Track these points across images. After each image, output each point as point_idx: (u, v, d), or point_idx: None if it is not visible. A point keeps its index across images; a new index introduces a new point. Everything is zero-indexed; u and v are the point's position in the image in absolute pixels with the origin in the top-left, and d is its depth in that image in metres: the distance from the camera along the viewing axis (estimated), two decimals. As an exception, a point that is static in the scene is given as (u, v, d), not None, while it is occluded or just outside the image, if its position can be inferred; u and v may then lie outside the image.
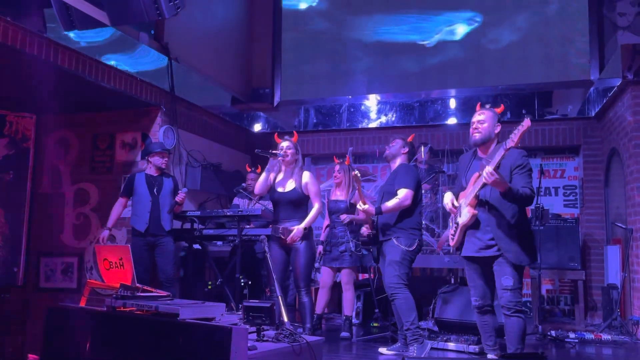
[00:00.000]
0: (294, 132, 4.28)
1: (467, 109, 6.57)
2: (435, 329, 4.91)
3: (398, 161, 3.98)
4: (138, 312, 2.83)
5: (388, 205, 3.74)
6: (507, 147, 2.89)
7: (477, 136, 3.26)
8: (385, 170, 6.83)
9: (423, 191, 4.64)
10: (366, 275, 5.93)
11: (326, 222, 5.05)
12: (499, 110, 3.31)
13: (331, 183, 5.13)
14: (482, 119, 3.27)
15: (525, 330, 3.14)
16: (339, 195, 4.94)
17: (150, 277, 4.80)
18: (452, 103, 6.65)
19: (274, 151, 4.05)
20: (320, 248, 4.97)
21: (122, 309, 2.88)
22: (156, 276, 4.95)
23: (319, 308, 4.81)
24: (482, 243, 3.18)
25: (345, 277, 4.85)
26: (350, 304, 4.88)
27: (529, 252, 3.12)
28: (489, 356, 3.36)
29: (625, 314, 5.23)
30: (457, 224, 3.28)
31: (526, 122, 2.83)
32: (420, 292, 3.95)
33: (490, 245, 3.16)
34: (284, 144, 4.13)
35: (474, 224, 3.19)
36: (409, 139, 4.04)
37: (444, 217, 5.84)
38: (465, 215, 3.20)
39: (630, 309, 5.16)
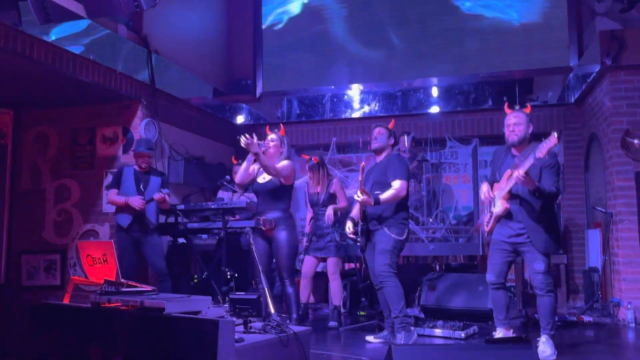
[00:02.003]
0: (281, 125, 4.26)
1: (449, 97, 6.61)
2: (422, 315, 4.96)
3: (385, 152, 4.00)
4: (123, 308, 2.82)
5: (386, 196, 3.78)
6: (537, 157, 3.26)
7: (514, 138, 3.60)
8: (369, 160, 6.85)
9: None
10: (352, 265, 5.96)
11: (309, 214, 5.05)
12: (528, 110, 3.66)
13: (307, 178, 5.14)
14: (518, 122, 3.60)
15: (556, 307, 3.59)
16: (317, 188, 4.94)
17: (136, 272, 4.76)
18: (434, 92, 6.67)
19: (257, 141, 4.03)
20: (305, 240, 4.97)
21: (107, 304, 2.86)
22: (142, 272, 4.93)
23: (304, 297, 4.83)
24: (513, 231, 3.58)
25: (332, 267, 4.86)
26: (337, 293, 4.91)
27: (555, 241, 3.53)
28: (497, 331, 3.67)
29: (606, 296, 5.34)
30: (492, 212, 3.68)
31: (552, 139, 3.17)
32: (406, 279, 3.98)
33: (520, 233, 3.55)
34: (271, 135, 4.12)
35: (506, 215, 3.59)
36: (390, 125, 4.04)
37: (428, 205, 5.89)
38: (499, 206, 3.61)
39: (611, 291, 5.27)
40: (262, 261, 3.78)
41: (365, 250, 3.97)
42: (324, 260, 4.91)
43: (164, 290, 4.56)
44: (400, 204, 3.89)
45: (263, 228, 3.98)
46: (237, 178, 4.10)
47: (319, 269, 5.11)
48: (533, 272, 3.54)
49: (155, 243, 4.68)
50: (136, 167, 4.77)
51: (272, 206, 4.02)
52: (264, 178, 4.07)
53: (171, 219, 5.13)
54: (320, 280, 5.62)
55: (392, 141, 4.02)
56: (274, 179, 3.99)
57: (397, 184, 3.81)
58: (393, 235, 3.79)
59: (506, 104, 3.79)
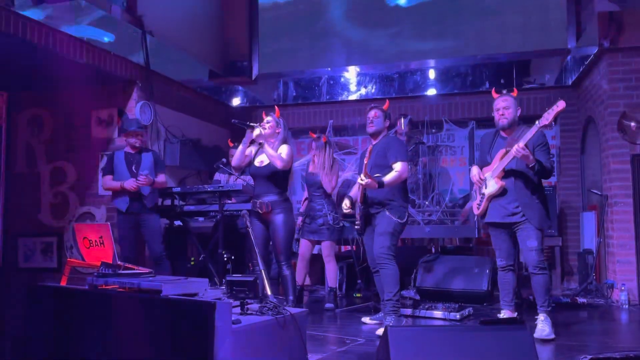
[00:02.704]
0: (275, 107, 4.22)
1: (446, 79, 6.57)
2: (417, 297, 5.00)
3: (381, 134, 3.98)
4: (120, 290, 2.82)
5: (389, 178, 3.77)
6: (541, 125, 3.34)
7: (504, 122, 3.67)
8: (365, 142, 6.83)
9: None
10: (348, 247, 5.99)
11: (305, 194, 5.06)
12: (514, 93, 3.74)
13: (310, 157, 5.12)
14: (507, 105, 3.66)
15: (550, 285, 3.71)
16: (316, 169, 4.93)
17: (136, 255, 4.77)
18: (432, 74, 6.63)
19: (251, 123, 4.00)
20: (299, 220, 4.98)
21: (104, 287, 2.86)
22: (143, 255, 4.94)
23: (299, 280, 4.87)
24: (507, 210, 3.61)
25: (326, 249, 4.88)
26: (333, 275, 4.93)
27: (547, 217, 3.62)
28: (502, 313, 3.76)
29: (600, 278, 5.39)
30: (483, 194, 3.71)
31: (561, 104, 3.26)
32: (402, 261, 3.99)
33: (515, 212, 3.59)
34: (267, 118, 4.10)
35: (499, 194, 3.62)
36: (385, 107, 4.01)
37: (424, 188, 5.90)
38: (493, 186, 3.64)
39: (605, 273, 5.32)
40: (259, 244, 3.79)
41: (364, 233, 3.96)
42: (319, 242, 4.93)
43: (161, 272, 4.57)
44: (401, 186, 3.88)
45: (260, 211, 3.97)
46: (234, 161, 4.08)
47: (314, 252, 5.13)
48: (527, 249, 3.57)
49: (154, 225, 4.68)
50: (127, 149, 4.74)
51: (269, 189, 4.00)
52: (261, 161, 4.05)
53: (167, 202, 5.13)
54: (316, 262, 5.65)
55: (387, 123, 4.00)
56: (272, 162, 3.97)
57: (399, 165, 3.80)
58: (394, 218, 3.79)
59: (493, 89, 3.85)
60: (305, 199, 5.07)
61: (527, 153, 3.42)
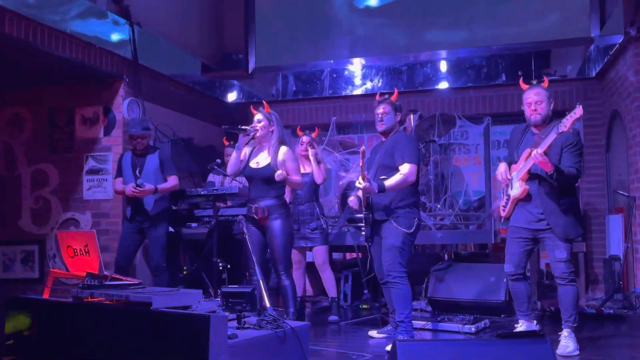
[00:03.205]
0: (264, 102, 4.21)
1: (459, 71, 6.58)
2: (429, 309, 5.00)
3: (393, 130, 3.94)
4: (107, 303, 2.84)
5: (392, 182, 3.66)
6: (559, 132, 3.28)
7: (537, 117, 3.58)
8: (372, 140, 6.85)
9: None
10: (354, 255, 5.99)
11: (287, 198, 5.06)
12: (545, 84, 3.64)
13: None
14: (540, 99, 3.58)
15: (578, 297, 3.63)
16: (305, 168, 4.94)
17: (130, 262, 4.81)
18: (443, 66, 6.64)
19: (243, 127, 4.01)
20: None
21: (89, 299, 2.88)
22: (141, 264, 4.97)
23: (299, 290, 4.87)
24: (533, 216, 3.58)
25: (320, 256, 4.88)
26: (331, 284, 4.93)
27: (576, 225, 3.54)
28: (519, 324, 3.73)
29: (628, 286, 5.37)
30: (509, 195, 3.68)
31: (579, 110, 3.21)
32: (412, 270, 3.98)
33: (541, 218, 3.56)
34: (257, 116, 4.08)
35: (525, 197, 3.59)
36: (393, 97, 3.96)
37: (435, 189, 5.90)
38: (517, 188, 3.60)
39: (633, 282, 5.31)
40: (256, 251, 3.79)
41: (372, 241, 3.93)
42: (310, 249, 4.93)
43: (158, 284, 4.60)
44: (410, 190, 3.79)
45: (255, 217, 3.98)
46: (230, 169, 4.08)
47: (309, 259, 5.14)
48: (554, 260, 3.53)
49: (157, 235, 4.69)
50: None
51: (266, 193, 4.00)
52: (257, 163, 4.05)
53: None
54: (313, 271, 5.65)
55: (399, 117, 3.91)
56: (271, 164, 3.98)
57: (405, 167, 3.70)
58: (402, 229, 3.71)
59: (521, 79, 3.75)
60: (290, 203, 5.11)
61: (546, 160, 3.35)
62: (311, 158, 4.89)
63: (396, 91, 4.01)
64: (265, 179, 3.98)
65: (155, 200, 4.68)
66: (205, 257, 5.08)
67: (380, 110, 3.88)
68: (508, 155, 3.85)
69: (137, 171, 4.67)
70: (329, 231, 5.00)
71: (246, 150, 4.11)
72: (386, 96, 3.95)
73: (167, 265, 4.74)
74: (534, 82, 3.70)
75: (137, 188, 4.53)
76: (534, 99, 3.57)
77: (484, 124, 5.94)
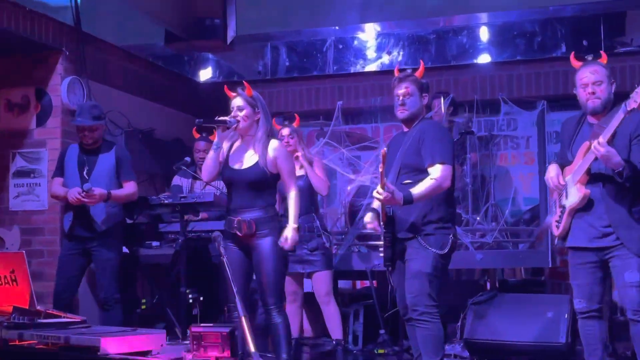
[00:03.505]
0: (245, 82, 4.19)
1: (504, 41, 6.57)
2: (466, 354, 4.99)
3: (418, 117, 3.91)
4: (41, 347, 2.84)
5: (421, 190, 3.59)
6: (629, 109, 3.21)
7: (597, 103, 3.53)
8: (390, 131, 6.84)
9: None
10: (366, 283, 5.98)
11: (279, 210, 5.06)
12: (604, 60, 3.59)
13: None
14: (598, 79, 3.53)
15: None
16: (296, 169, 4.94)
17: (72, 295, 4.79)
18: (483, 33, 6.64)
19: (221, 118, 4.00)
20: None
21: (17, 342, 2.88)
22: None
23: (294, 330, 4.86)
24: (596, 231, 3.52)
25: (322, 285, 4.87)
26: (336, 322, 4.93)
27: None
28: None
29: None
30: (564, 206, 3.62)
31: None
32: (444, 303, 3.97)
33: (607, 233, 3.49)
34: (234, 101, 4.06)
35: (585, 206, 3.52)
36: (419, 73, 3.87)
37: (474, 197, 5.88)
38: (574, 195, 3.54)
39: None
40: (237, 279, 3.77)
41: (393, 267, 3.90)
42: (309, 276, 4.93)
43: (109, 321, 4.57)
44: (443, 198, 3.74)
45: (239, 233, 3.97)
46: (206, 173, 4.05)
47: (308, 289, 5.13)
48: (624, 285, 3.47)
49: (107, 257, 4.68)
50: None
51: (253, 202, 3.97)
52: (240, 163, 4.03)
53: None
54: (312, 304, 5.64)
55: (426, 100, 3.86)
56: (259, 163, 3.95)
57: (437, 170, 3.64)
58: (432, 250, 3.67)
59: (573, 55, 3.73)
60: (282, 216, 5.10)
61: (609, 152, 3.29)
62: (301, 160, 4.91)
63: (422, 65, 3.94)
64: (252, 184, 3.97)
65: (107, 211, 4.68)
66: (170, 287, 5.07)
67: (401, 90, 3.84)
68: (559, 154, 3.84)
69: (85, 172, 4.67)
70: (334, 252, 5.00)
71: (224, 147, 4.10)
72: (409, 72, 3.90)
73: (121, 296, 4.74)
74: (589, 57, 3.67)
75: (84, 193, 4.53)
76: (590, 79, 3.54)
77: (538, 109, 5.94)
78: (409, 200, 3.58)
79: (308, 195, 4.88)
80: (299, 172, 4.91)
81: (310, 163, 4.98)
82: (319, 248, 4.81)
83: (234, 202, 4.04)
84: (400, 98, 3.83)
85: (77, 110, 4.82)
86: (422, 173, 3.70)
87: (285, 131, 4.98)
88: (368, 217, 3.90)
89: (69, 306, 4.58)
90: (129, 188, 4.77)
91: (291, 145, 4.94)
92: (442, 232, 3.73)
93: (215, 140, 4.02)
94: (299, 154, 4.96)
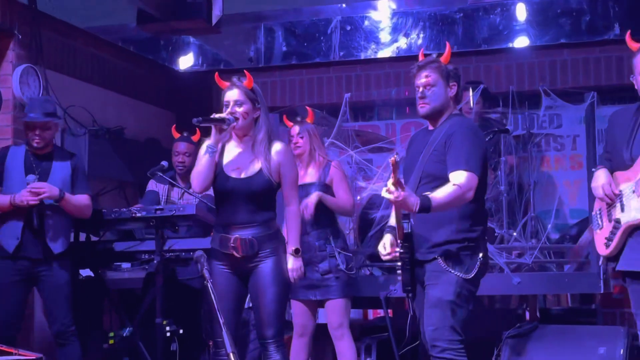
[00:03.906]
0: (246, 72, 4.20)
1: (545, 20, 6.57)
2: (501, 398, 4.98)
3: (444, 114, 3.88)
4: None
5: (440, 196, 3.53)
6: None
7: None
8: (408, 129, 6.84)
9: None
10: (380, 312, 5.98)
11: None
12: None
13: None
14: None
15: None
16: (305, 175, 4.92)
17: (25, 324, 4.85)
18: (520, 11, 6.64)
19: (218, 115, 3.98)
20: None
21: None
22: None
23: (299, 369, 4.88)
24: None
25: (336, 316, 4.87)
26: (350, 359, 4.94)
27: None
28: None
29: None
30: (618, 221, 3.58)
31: None
32: (473, 337, 3.97)
33: None
34: (230, 94, 4.06)
35: None
36: (444, 57, 3.80)
37: (510, 208, 5.87)
38: (636, 210, 3.49)
39: None
40: (225, 308, 3.78)
41: (414, 294, 3.89)
42: (322, 304, 4.93)
43: (66, 357, 4.61)
44: (471, 210, 3.72)
45: (237, 254, 3.98)
46: (199, 182, 4.02)
47: (320, 320, 5.14)
48: None
49: (58, 282, 4.69)
50: (29, 147, 4.78)
51: (252, 217, 3.98)
52: (238, 170, 4.02)
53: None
54: (324, 336, 5.65)
55: (454, 91, 3.81)
56: (263, 171, 3.96)
57: (461, 176, 3.61)
58: (456, 274, 3.66)
59: (628, 35, 3.72)
60: None
61: None
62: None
63: (448, 48, 3.88)
64: (253, 196, 3.98)
65: (62, 227, 4.71)
66: (143, 317, 5.07)
67: (421, 80, 3.80)
68: (605, 156, 3.82)
69: (37, 178, 4.67)
70: (353, 273, 4.97)
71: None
72: (433, 57, 3.87)
73: (85, 329, 4.74)
74: None
75: (35, 189, 4.53)
76: None
77: (586, 103, 5.93)
78: (425, 206, 3.49)
79: (321, 206, 4.88)
80: (308, 178, 4.92)
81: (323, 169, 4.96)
82: (333, 271, 4.80)
83: (228, 216, 4.04)
84: (420, 89, 3.80)
85: (27, 104, 4.85)
86: (446, 180, 3.69)
87: (295, 129, 4.98)
88: (385, 243, 3.82)
89: (14, 340, 4.56)
90: (82, 200, 4.78)
91: (300, 146, 4.93)
92: (468, 252, 3.71)
93: (210, 142, 3.98)
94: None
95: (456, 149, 3.69)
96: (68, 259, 4.79)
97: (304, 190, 4.86)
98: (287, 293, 4.14)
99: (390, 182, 3.44)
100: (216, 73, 4.23)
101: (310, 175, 4.96)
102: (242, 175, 4.00)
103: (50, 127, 4.74)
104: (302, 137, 4.94)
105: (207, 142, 3.99)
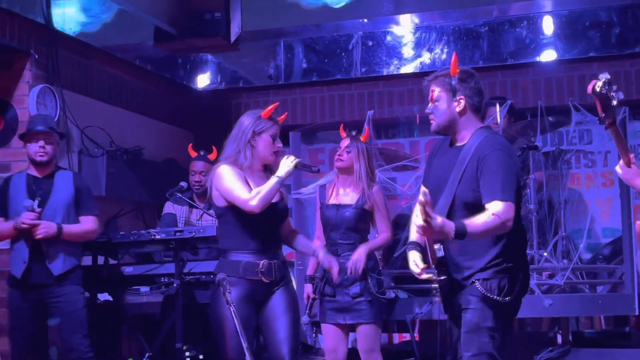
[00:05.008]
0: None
1: (573, 34, 6.55)
2: None
3: (465, 130, 3.81)
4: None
5: (477, 224, 3.43)
6: None
7: None
8: (431, 146, 6.83)
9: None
10: (406, 336, 5.95)
11: (317, 241, 5.04)
12: None
13: (332, 176, 5.14)
14: None
15: None
16: (343, 194, 4.92)
17: (43, 352, 4.82)
18: (547, 25, 6.63)
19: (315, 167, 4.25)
20: (309, 289, 5.01)
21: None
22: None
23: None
24: None
25: (367, 341, 4.84)
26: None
27: None
28: None
29: None
30: None
31: None
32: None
33: None
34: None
35: None
36: (451, 70, 3.64)
37: (540, 227, 5.84)
38: None
39: None
40: (247, 332, 3.79)
41: (450, 312, 3.85)
42: (353, 329, 4.92)
43: None
44: (508, 235, 3.60)
45: (265, 279, 4.01)
46: (258, 203, 4.08)
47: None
48: None
49: (70, 307, 4.69)
50: (30, 171, 4.80)
51: (276, 243, 4.13)
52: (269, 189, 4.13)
53: (87, 261, 5.18)
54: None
55: (459, 105, 3.63)
56: (285, 200, 4.15)
57: (498, 207, 3.49)
58: (493, 297, 3.59)
59: None
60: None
61: None
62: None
63: (454, 59, 3.75)
64: (279, 223, 4.14)
65: (63, 250, 4.71)
66: (163, 342, 5.08)
67: (430, 95, 3.75)
68: None
69: (37, 204, 4.68)
70: (383, 298, 4.94)
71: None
72: (440, 71, 3.78)
73: (103, 355, 4.74)
74: None
75: (25, 220, 4.54)
76: None
77: (619, 117, 5.91)
78: (461, 232, 3.41)
79: (355, 230, 4.88)
80: (345, 198, 4.93)
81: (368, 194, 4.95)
82: (364, 294, 4.78)
83: (258, 241, 4.07)
84: (430, 105, 3.77)
85: (28, 121, 4.90)
86: (477, 209, 3.61)
87: (345, 142, 4.96)
88: (415, 260, 3.65)
89: None
90: (87, 224, 4.80)
91: (343, 160, 4.91)
92: (507, 275, 3.61)
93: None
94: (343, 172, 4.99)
95: (491, 176, 3.57)
96: (79, 283, 4.79)
97: (338, 211, 4.88)
98: (299, 318, 4.25)
99: (419, 210, 3.30)
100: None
101: (349, 196, 4.91)
102: (276, 198, 4.10)
103: (52, 142, 4.76)
104: (348, 152, 4.89)
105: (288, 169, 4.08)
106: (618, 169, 3.18)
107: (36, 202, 4.63)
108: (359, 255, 4.73)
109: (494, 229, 3.50)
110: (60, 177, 4.83)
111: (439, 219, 3.34)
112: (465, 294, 3.67)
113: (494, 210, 3.45)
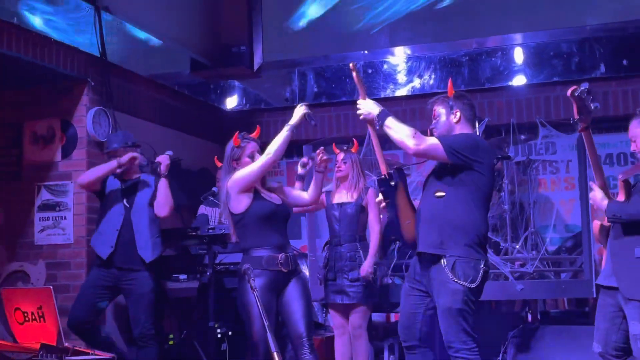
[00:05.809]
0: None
1: (540, 62, 6.56)
2: (507, 391, 4.93)
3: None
4: (69, 386, 2.86)
5: (398, 123, 3.70)
6: None
7: None
8: (421, 158, 6.83)
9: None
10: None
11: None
12: None
13: (332, 186, 5.18)
14: None
15: None
16: (345, 195, 4.97)
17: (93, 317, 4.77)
18: (518, 55, 6.63)
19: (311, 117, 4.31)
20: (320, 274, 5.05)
21: (45, 381, 2.91)
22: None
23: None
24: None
25: (357, 318, 4.88)
26: (363, 356, 4.91)
27: None
28: None
29: None
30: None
31: None
32: (483, 336, 3.90)
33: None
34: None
35: None
36: (448, 92, 3.82)
37: (513, 224, 5.84)
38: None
39: None
40: (269, 315, 3.78)
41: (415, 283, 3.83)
42: (348, 308, 4.91)
43: (145, 358, 4.61)
44: (474, 219, 3.61)
45: (284, 269, 4.01)
46: (276, 152, 4.06)
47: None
48: (631, 337, 3.44)
49: (144, 291, 4.67)
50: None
51: (287, 237, 4.16)
52: (275, 195, 4.17)
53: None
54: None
55: (457, 116, 3.76)
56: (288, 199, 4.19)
57: (433, 139, 3.68)
58: (459, 282, 3.53)
59: None
60: (326, 243, 5.12)
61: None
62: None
63: (449, 84, 3.88)
64: (287, 220, 4.16)
65: (152, 241, 4.71)
66: (198, 321, 5.09)
67: (433, 113, 3.86)
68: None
69: (126, 200, 4.72)
70: (377, 283, 4.98)
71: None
72: (439, 96, 3.91)
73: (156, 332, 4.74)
74: None
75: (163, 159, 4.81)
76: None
77: (577, 132, 5.89)
78: (383, 115, 3.74)
79: (354, 223, 4.93)
80: (346, 198, 4.99)
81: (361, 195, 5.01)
82: (360, 280, 4.81)
83: (275, 238, 4.08)
84: (433, 121, 3.86)
85: (108, 139, 4.98)
86: (454, 185, 3.63)
87: (340, 155, 5.08)
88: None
89: (87, 332, 4.59)
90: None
91: (342, 170, 5.05)
92: (471, 259, 3.56)
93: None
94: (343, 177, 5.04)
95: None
96: (154, 269, 4.75)
97: (341, 207, 4.99)
98: (311, 299, 4.25)
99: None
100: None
101: (349, 196, 5.01)
102: (279, 201, 4.12)
103: (136, 157, 4.87)
104: (345, 163, 5.04)
105: None
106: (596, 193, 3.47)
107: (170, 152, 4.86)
108: (367, 267, 4.80)
109: (406, 135, 3.64)
110: (143, 182, 4.91)
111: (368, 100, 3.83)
112: (436, 279, 3.59)
113: (428, 138, 3.62)
